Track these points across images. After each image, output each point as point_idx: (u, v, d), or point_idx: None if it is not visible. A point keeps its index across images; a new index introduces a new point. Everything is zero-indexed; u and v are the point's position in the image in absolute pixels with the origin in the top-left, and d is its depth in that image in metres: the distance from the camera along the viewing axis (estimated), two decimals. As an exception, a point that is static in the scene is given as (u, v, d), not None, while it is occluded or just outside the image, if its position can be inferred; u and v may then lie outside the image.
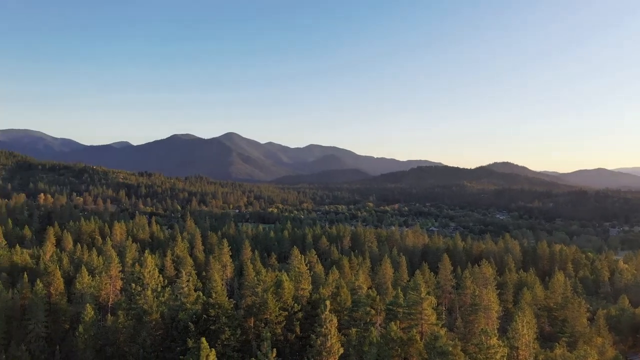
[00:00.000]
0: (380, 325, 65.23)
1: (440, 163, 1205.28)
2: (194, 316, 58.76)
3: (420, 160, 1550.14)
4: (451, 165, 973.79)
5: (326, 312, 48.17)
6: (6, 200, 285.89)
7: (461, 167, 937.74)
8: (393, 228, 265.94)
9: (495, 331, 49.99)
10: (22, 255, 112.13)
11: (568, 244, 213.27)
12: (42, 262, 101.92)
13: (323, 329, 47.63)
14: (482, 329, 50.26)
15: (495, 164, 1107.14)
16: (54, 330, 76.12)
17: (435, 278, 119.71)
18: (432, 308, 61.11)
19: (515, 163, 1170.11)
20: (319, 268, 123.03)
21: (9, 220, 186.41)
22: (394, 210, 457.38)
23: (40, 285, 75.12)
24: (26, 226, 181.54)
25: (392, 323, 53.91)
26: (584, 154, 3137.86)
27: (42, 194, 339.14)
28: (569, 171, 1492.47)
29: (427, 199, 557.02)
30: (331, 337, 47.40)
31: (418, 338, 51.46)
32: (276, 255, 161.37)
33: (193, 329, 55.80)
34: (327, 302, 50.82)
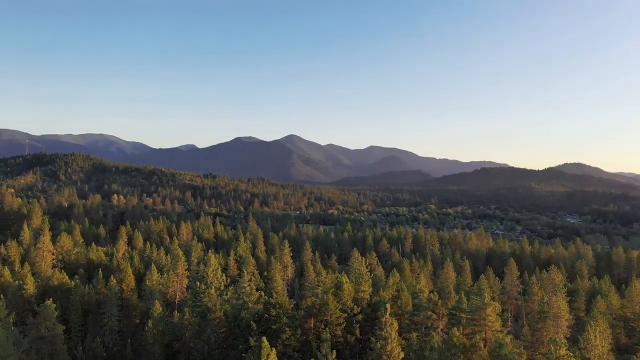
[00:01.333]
0: (442, 330, 63.81)
1: (505, 164, 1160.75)
2: (256, 315, 59.76)
3: (484, 162, 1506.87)
4: (517, 166, 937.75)
5: (386, 315, 47.69)
6: (83, 200, 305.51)
7: (528, 168, 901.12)
8: (456, 231, 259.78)
9: (565, 341, 47.51)
10: (97, 253, 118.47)
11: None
12: (115, 260, 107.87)
13: (383, 332, 47.17)
14: (550, 337, 47.94)
15: (566, 164, 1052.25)
16: (125, 325, 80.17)
17: (501, 283, 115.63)
18: (497, 314, 59.06)
19: (587, 164, 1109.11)
20: (380, 270, 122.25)
21: (86, 220, 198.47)
22: (456, 213, 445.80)
23: (114, 281, 79.34)
24: (101, 225, 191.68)
25: (455, 328, 52.58)
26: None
27: (115, 195, 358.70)
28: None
29: (491, 202, 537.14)
30: (391, 341, 46.86)
31: (481, 345, 49.89)
32: (336, 256, 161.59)
33: (255, 328, 56.74)
34: (388, 305, 50.29)
